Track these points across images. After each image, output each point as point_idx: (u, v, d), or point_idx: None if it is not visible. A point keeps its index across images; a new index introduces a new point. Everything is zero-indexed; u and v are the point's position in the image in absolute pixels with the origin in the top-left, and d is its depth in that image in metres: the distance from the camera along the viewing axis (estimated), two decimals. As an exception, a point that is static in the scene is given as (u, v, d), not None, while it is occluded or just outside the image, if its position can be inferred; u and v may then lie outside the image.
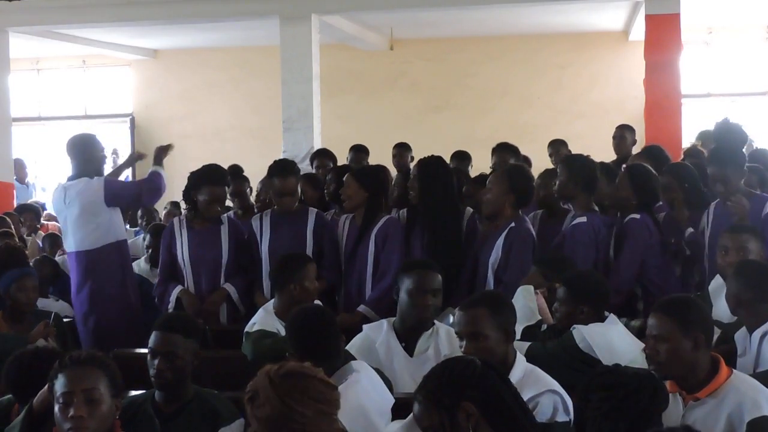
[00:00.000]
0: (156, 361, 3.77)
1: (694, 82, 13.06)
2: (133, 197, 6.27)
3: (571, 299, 4.26)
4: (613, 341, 4.10)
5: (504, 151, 7.55)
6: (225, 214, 6.10)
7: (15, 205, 10.70)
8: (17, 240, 7.10)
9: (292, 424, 2.57)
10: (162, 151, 6.32)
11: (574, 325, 4.17)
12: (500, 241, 5.39)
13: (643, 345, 4.13)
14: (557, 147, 8.93)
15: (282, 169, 5.90)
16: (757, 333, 4.03)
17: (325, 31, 10.79)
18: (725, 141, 5.82)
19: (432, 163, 5.87)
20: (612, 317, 4.27)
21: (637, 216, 5.45)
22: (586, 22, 12.85)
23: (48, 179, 14.41)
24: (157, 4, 10.71)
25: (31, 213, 9.08)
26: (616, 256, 5.50)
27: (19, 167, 13.03)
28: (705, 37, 13.49)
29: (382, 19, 12.21)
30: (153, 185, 6.17)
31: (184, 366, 3.80)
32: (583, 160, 5.79)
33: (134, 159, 6.95)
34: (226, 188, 5.94)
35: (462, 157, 8.37)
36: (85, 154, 5.97)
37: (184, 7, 10.66)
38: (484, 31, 13.53)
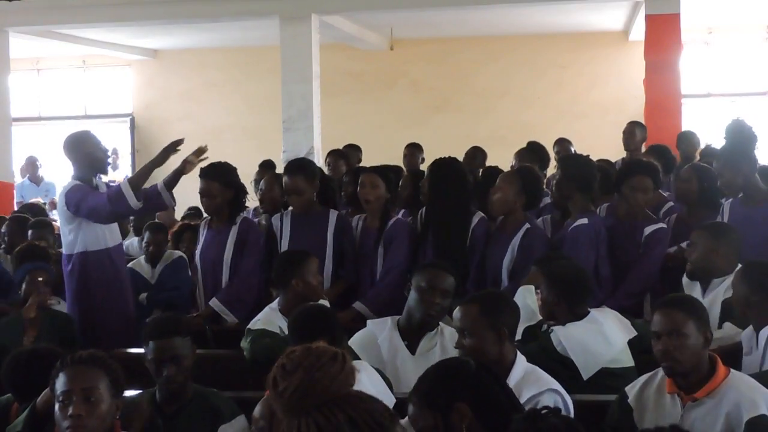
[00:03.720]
0: (164, 369, 3.79)
1: (694, 82, 13.06)
2: (95, 210, 5.52)
3: (551, 290, 4.26)
4: (589, 344, 4.08)
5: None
6: (243, 213, 6.01)
7: (16, 206, 10.68)
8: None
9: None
10: (168, 152, 5.67)
11: (552, 328, 4.17)
12: (515, 242, 5.39)
13: (625, 340, 4.16)
14: (564, 145, 8.93)
15: (292, 167, 5.88)
16: (764, 332, 4.02)
17: (325, 31, 10.80)
18: (736, 142, 5.82)
19: (444, 164, 5.77)
20: (592, 315, 4.24)
21: (664, 226, 5.41)
22: (586, 22, 12.85)
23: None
24: (157, 4, 10.72)
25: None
26: (637, 259, 5.43)
27: (31, 165, 12.66)
28: (705, 37, 13.49)
29: (382, 19, 12.21)
30: (119, 207, 5.50)
31: (190, 365, 3.83)
32: (580, 160, 5.78)
33: (168, 153, 5.72)
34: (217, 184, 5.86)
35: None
36: (79, 152, 5.65)
37: (184, 7, 10.66)
38: (484, 31, 13.53)
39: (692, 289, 4.87)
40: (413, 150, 9.43)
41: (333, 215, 5.90)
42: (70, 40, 12.87)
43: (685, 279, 4.96)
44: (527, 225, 5.42)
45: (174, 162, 5.64)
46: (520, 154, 7.28)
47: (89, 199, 5.52)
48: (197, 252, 5.92)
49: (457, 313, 3.66)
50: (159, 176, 5.83)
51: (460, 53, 14.11)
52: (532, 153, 7.33)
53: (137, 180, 5.63)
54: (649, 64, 9.63)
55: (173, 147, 5.65)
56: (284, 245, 5.77)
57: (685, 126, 9.75)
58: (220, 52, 14.66)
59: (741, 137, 5.83)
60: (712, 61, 13.68)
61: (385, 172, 5.89)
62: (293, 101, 10.22)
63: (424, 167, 8.19)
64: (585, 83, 13.88)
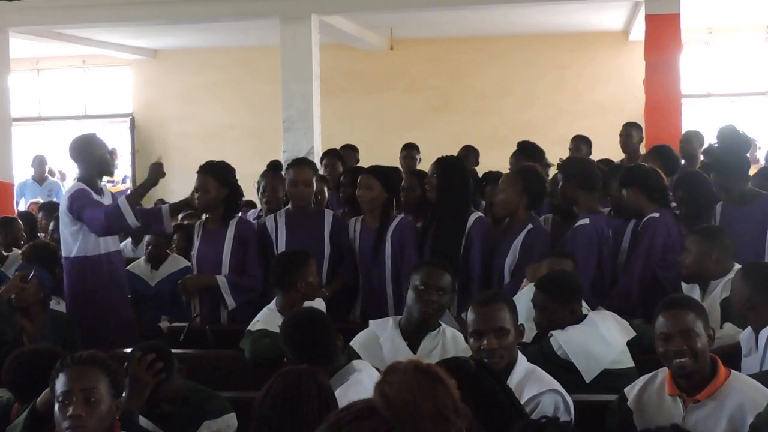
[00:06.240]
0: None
1: (694, 82, 13.06)
2: (92, 223, 5.57)
3: (544, 301, 4.26)
4: (590, 347, 4.08)
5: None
6: (237, 215, 5.99)
7: (15, 206, 10.66)
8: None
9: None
10: (156, 172, 5.73)
11: (551, 332, 4.17)
12: (518, 243, 5.43)
13: (625, 341, 4.16)
14: (578, 143, 8.90)
15: (299, 160, 6.00)
16: (764, 332, 4.02)
17: (325, 31, 10.79)
18: (729, 148, 5.87)
19: (452, 162, 5.89)
20: (590, 318, 4.24)
21: (657, 215, 5.35)
22: (586, 22, 12.85)
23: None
24: (157, 4, 10.71)
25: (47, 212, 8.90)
26: (629, 257, 5.44)
27: (38, 164, 12.43)
28: (705, 37, 13.49)
29: (382, 19, 12.21)
30: (116, 224, 5.57)
31: (176, 383, 3.87)
32: (578, 162, 5.80)
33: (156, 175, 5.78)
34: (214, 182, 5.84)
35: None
36: (83, 155, 5.71)
37: (184, 7, 10.65)
38: (484, 31, 13.53)
39: (692, 292, 4.88)
40: (411, 151, 9.39)
41: (329, 215, 5.94)
42: (70, 40, 12.86)
43: (684, 284, 4.98)
44: (530, 225, 5.46)
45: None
46: (516, 156, 7.18)
47: (88, 210, 5.56)
48: (193, 253, 5.90)
49: (485, 313, 3.62)
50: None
51: (460, 53, 14.11)
52: (526, 152, 7.21)
53: (134, 199, 5.69)
54: (649, 64, 9.62)
55: (158, 168, 5.72)
56: (281, 246, 5.77)
57: (685, 126, 9.75)
58: (220, 52, 14.65)
59: (735, 143, 5.88)
60: (712, 61, 13.67)
61: (382, 172, 5.90)
62: (293, 101, 10.21)
63: (420, 167, 8.19)
64: (585, 83, 13.88)
